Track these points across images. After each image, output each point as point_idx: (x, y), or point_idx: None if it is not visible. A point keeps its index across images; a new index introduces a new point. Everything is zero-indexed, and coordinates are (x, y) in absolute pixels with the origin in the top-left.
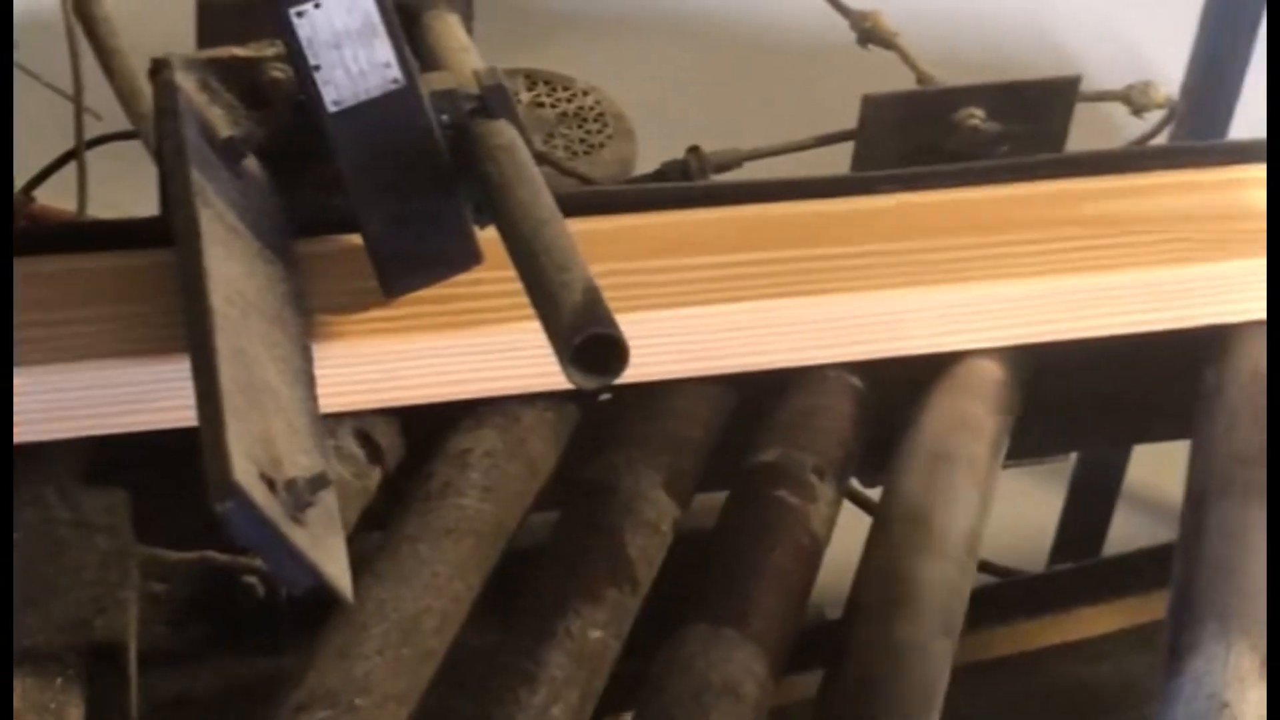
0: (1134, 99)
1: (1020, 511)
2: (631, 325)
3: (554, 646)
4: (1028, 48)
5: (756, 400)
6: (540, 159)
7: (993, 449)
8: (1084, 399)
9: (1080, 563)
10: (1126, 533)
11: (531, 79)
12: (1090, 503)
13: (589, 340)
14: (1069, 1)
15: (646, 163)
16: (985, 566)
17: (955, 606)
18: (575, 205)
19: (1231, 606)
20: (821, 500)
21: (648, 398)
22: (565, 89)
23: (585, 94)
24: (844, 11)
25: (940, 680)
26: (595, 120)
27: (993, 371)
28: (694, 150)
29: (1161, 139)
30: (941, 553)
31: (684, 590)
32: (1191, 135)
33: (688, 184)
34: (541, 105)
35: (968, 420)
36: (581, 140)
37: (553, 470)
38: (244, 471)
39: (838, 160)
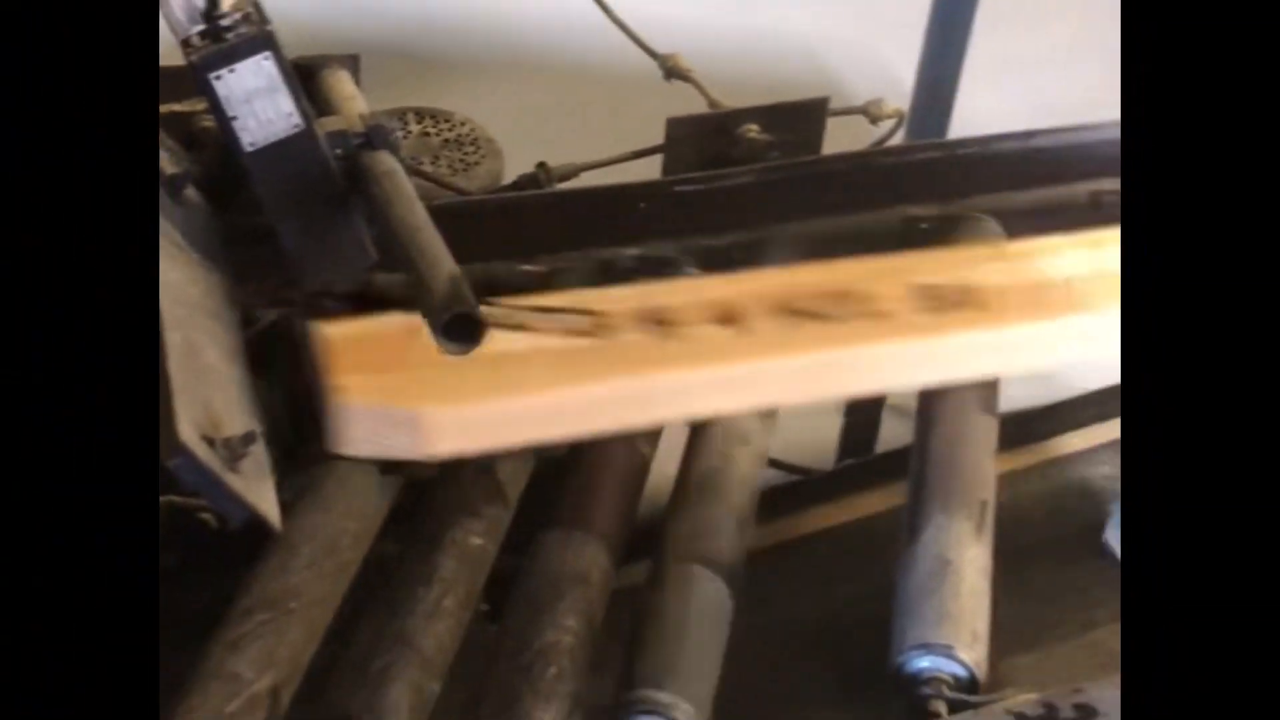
0: (871, 111)
1: (813, 424)
2: None
3: (444, 553)
4: (799, 74)
5: None
6: (426, 177)
7: None
8: None
9: (859, 459)
10: (894, 434)
11: (419, 114)
12: (864, 413)
13: (455, 318)
14: (832, 32)
15: (509, 175)
16: (789, 467)
17: (747, 500)
18: (453, 211)
19: (952, 489)
20: None
21: None
22: (446, 120)
23: (462, 124)
24: (652, 54)
25: (738, 559)
26: (471, 144)
27: None
28: (541, 165)
29: (899, 138)
30: (736, 462)
31: (544, 503)
32: (916, 137)
33: (539, 190)
34: (428, 134)
35: None
36: (460, 160)
37: None
38: (188, 434)
39: (650, 169)
